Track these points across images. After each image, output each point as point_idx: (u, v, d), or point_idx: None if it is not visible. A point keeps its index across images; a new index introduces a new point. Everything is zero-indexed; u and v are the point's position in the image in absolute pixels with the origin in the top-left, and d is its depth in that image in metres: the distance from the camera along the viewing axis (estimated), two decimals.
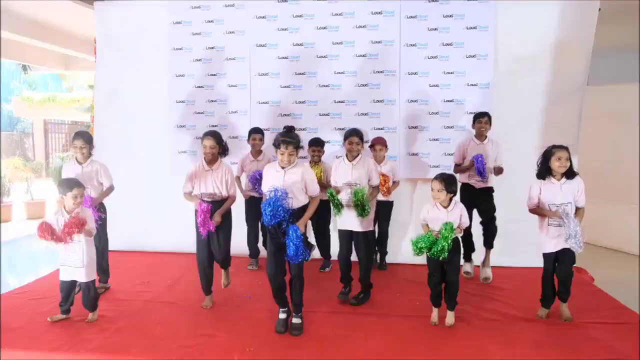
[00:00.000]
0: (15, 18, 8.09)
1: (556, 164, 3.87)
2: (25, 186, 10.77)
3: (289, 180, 3.66)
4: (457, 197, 3.97)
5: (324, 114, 5.84)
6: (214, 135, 4.18)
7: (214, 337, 3.68)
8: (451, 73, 5.68)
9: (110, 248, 4.85)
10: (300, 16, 5.82)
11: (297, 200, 3.69)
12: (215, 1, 5.97)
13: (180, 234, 5.90)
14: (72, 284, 3.98)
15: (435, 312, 3.97)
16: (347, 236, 4.32)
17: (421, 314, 4.06)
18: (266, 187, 3.75)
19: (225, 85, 5.97)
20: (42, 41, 9.01)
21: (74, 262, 3.86)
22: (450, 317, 3.91)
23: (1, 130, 20.13)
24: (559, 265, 4.02)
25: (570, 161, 3.89)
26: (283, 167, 3.69)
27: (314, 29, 5.80)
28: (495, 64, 5.60)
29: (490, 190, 4.97)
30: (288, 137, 3.65)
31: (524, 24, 5.52)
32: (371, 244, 4.44)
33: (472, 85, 5.66)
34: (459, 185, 5.01)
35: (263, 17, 5.88)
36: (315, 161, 5.07)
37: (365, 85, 5.79)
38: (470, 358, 3.40)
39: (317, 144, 5.08)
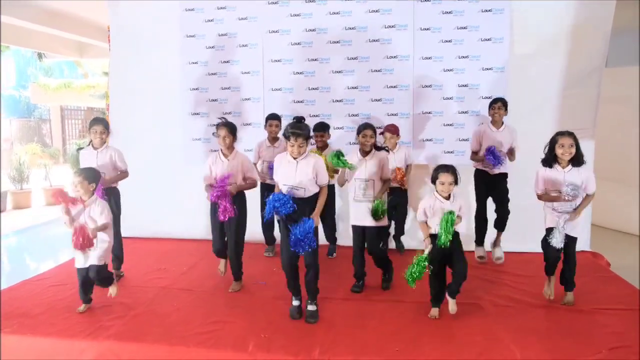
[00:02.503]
0: (29, 6, 8.15)
1: (559, 151, 3.84)
2: (43, 172, 10.97)
3: (301, 171, 3.68)
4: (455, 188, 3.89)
5: (337, 100, 5.83)
6: (227, 124, 4.26)
7: (229, 324, 3.75)
8: (466, 57, 5.61)
9: (124, 235, 4.92)
10: (313, 1, 5.78)
11: (309, 190, 3.72)
12: None
13: (194, 221, 6.03)
14: (88, 271, 3.94)
15: (435, 310, 3.92)
16: (359, 232, 4.33)
17: None
18: (278, 177, 3.79)
19: (238, 72, 5.97)
20: (56, 29, 9.08)
21: None
22: (452, 305, 3.87)
23: (17, 118, 20.46)
24: (564, 250, 4.01)
25: (578, 148, 3.82)
26: (295, 158, 3.71)
27: (327, 14, 5.76)
28: (510, 47, 5.52)
29: (505, 176, 4.96)
30: (297, 129, 3.65)
31: (541, 5, 5.42)
32: (383, 240, 4.44)
33: (487, 69, 5.59)
34: (472, 171, 5.08)
35: (275, 3, 5.85)
36: (319, 147, 5.07)
37: (379, 70, 5.75)
38: (483, 345, 3.42)
39: (320, 129, 5.07)
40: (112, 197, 4.55)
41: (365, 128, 4.21)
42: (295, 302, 3.91)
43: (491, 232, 5.22)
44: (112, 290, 4.10)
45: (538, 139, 4.65)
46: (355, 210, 4.28)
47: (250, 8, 5.90)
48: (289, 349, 3.38)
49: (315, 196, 3.78)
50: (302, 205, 3.70)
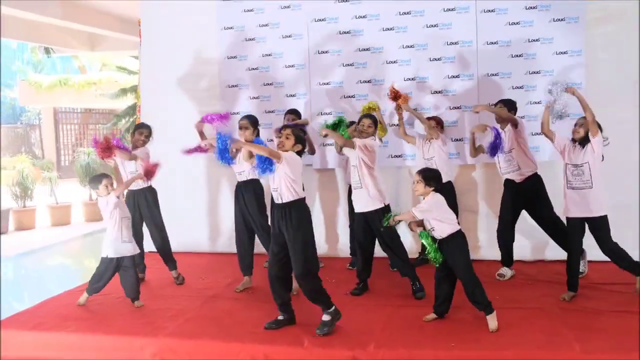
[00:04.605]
0: None
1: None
2: (48, 188, 12.64)
3: (279, 173, 4.88)
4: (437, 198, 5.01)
5: None
6: (249, 117, 6.02)
7: (283, 326, 5.08)
8: (536, 40, 6.81)
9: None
10: None
11: (284, 196, 4.89)
12: None
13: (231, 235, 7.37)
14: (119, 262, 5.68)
15: (431, 315, 5.14)
16: (360, 220, 5.87)
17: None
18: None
19: (281, 66, 7.39)
20: (66, 20, 10.78)
21: (131, 237, 5.82)
22: (489, 322, 4.84)
23: (2, 123, 22.43)
24: (596, 239, 5.35)
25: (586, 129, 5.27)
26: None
27: None
28: (586, 27, 6.65)
29: (535, 179, 6.08)
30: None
31: None
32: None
33: (561, 53, 6.77)
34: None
35: None
36: None
37: (438, 59, 7.02)
38: (544, 340, 4.62)
39: (292, 112, 6.61)
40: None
41: (364, 117, 5.82)
42: (279, 316, 5.13)
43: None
44: (137, 303, 5.73)
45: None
46: (355, 197, 5.88)
47: None
48: (344, 344, 4.67)
49: (292, 204, 4.89)
50: (277, 213, 4.96)
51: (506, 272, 6.28)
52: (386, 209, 5.75)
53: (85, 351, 4.99)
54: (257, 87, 7.49)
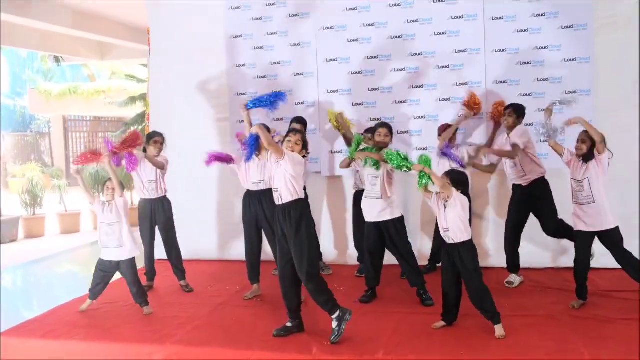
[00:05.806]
0: (45, 6, 9.95)
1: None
2: (58, 196, 12.72)
3: (279, 172, 4.96)
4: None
5: (400, 102, 7.14)
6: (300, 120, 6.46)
7: (292, 333, 5.07)
8: (545, 48, 6.82)
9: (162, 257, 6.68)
10: None
11: (283, 196, 4.94)
12: None
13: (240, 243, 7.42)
14: (112, 265, 5.71)
15: (439, 323, 5.16)
16: (373, 228, 5.84)
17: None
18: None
19: (290, 74, 7.44)
20: (74, 29, 10.92)
21: (114, 243, 5.67)
22: (497, 330, 4.90)
23: (11, 132, 22.66)
24: (610, 250, 5.39)
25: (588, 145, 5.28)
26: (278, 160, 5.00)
27: (386, 7, 7.11)
28: (594, 34, 6.67)
29: (540, 183, 6.11)
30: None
31: None
32: (405, 233, 5.89)
33: (570, 60, 6.77)
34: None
35: None
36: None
37: (447, 67, 7.04)
38: (553, 347, 4.62)
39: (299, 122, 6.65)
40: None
41: (380, 127, 5.83)
42: (287, 323, 5.14)
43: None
44: (147, 310, 5.74)
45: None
46: (369, 206, 5.84)
47: (301, 3, 7.34)
48: (353, 351, 4.68)
49: (291, 204, 4.93)
50: (278, 215, 5.00)
51: (515, 279, 6.28)
52: (402, 219, 5.87)
53: (94, 359, 5.02)
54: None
